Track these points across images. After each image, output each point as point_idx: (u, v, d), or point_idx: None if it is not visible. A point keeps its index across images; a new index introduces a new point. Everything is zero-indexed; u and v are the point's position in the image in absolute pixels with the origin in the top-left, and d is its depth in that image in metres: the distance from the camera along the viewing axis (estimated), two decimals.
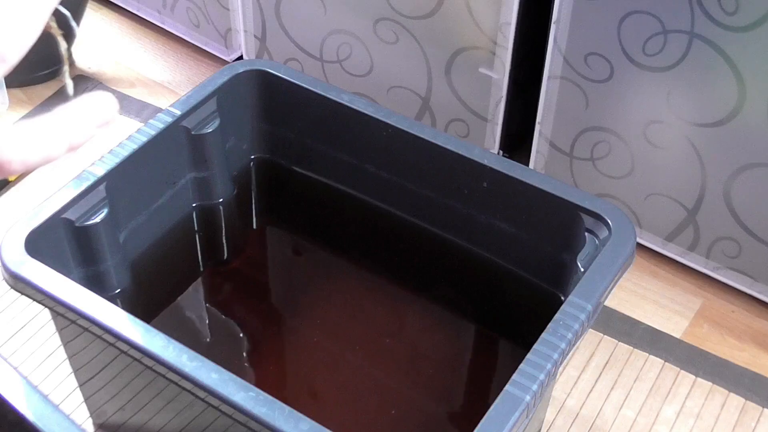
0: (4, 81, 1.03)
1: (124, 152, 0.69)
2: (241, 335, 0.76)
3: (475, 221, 0.72)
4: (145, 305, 0.73)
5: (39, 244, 0.62)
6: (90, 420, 0.74)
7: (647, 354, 0.82)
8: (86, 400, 0.72)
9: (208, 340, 0.75)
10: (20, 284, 0.60)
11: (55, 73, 1.09)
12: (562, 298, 0.69)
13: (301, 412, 0.53)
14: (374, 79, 0.97)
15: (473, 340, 0.76)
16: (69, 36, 0.45)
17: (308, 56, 1.01)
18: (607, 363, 0.81)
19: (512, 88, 0.88)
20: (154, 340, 0.56)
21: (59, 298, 0.58)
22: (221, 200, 0.78)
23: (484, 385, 0.73)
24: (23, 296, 0.61)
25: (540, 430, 0.75)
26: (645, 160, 0.83)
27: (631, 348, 0.82)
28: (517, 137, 0.95)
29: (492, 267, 0.73)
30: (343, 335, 0.75)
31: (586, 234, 0.65)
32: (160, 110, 0.82)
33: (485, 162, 0.69)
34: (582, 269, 0.63)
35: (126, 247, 0.71)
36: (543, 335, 0.57)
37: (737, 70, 0.73)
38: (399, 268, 0.79)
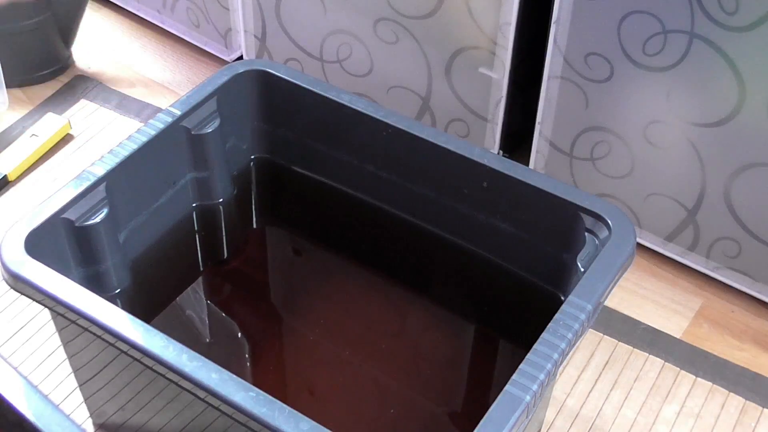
0: (4, 81, 1.03)
1: (124, 152, 0.69)
2: (241, 335, 0.76)
3: (475, 221, 0.72)
4: (145, 305, 0.73)
5: (39, 244, 0.62)
6: (90, 420, 0.74)
7: (647, 354, 0.82)
8: (86, 400, 0.72)
9: (208, 340, 0.75)
10: (20, 284, 0.60)
11: (55, 73, 1.09)
12: (562, 298, 0.69)
13: (301, 412, 0.53)
14: (374, 79, 0.97)
15: (473, 340, 0.76)
16: None
17: (308, 56, 1.01)
18: (607, 363, 0.81)
19: (512, 88, 0.88)
20: (154, 340, 0.56)
21: (59, 298, 0.58)
22: (221, 200, 0.78)
23: (484, 385, 0.73)
24: (23, 296, 0.61)
25: (540, 430, 0.75)
26: (645, 160, 0.83)
27: (631, 348, 0.82)
28: (517, 137, 0.95)
29: (492, 267, 0.73)
30: (343, 335, 0.75)
31: (586, 234, 0.65)
32: (160, 110, 0.82)
33: (485, 162, 0.69)
34: (582, 269, 0.63)
35: (126, 247, 0.71)
36: (543, 335, 0.57)
37: (737, 70, 0.73)
38: (399, 268, 0.79)
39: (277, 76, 0.76)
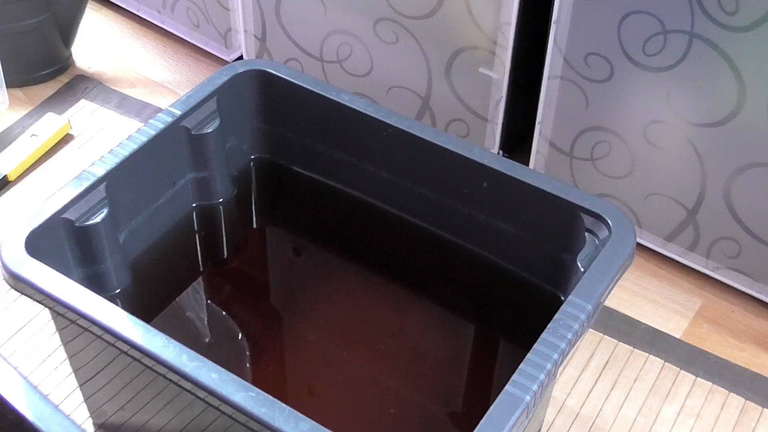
0: (4, 81, 1.03)
1: (124, 152, 0.69)
2: (241, 335, 0.76)
3: (475, 221, 0.72)
4: (145, 305, 0.73)
5: (39, 244, 0.62)
6: (90, 420, 0.74)
7: (647, 354, 0.82)
8: (86, 400, 0.72)
9: (208, 340, 0.75)
10: (20, 284, 0.60)
11: (55, 73, 1.09)
12: (562, 298, 0.69)
13: (301, 412, 0.53)
14: (374, 79, 0.97)
15: (473, 340, 0.76)
16: None
17: (308, 56, 1.01)
18: (607, 363, 0.81)
19: (512, 88, 0.88)
20: (154, 340, 0.56)
21: (59, 298, 0.58)
22: (221, 200, 0.78)
23: (484, 385, 0.73)
24: (23, 296, 0.61)
25: (540, 430, 0.75)
26: (645, 160, 0.83)
27: (631, 348, 0.82)
28: (517, 137, 0.95)
29: (492, 267, 0.73)
30: (343, 335, 0.75)
31: (586, 234, 0.65)
32: (160, 110, 0.82)
33: (485, 162, 0.69)
34: (582, 269, 0.63)
35: (126, 247, 0.71)
36: (543, 335, 0.57)
37: (737, 70, 0.73)
38: (399, 268, 0.79)
39: (277, 76, 0.76)
